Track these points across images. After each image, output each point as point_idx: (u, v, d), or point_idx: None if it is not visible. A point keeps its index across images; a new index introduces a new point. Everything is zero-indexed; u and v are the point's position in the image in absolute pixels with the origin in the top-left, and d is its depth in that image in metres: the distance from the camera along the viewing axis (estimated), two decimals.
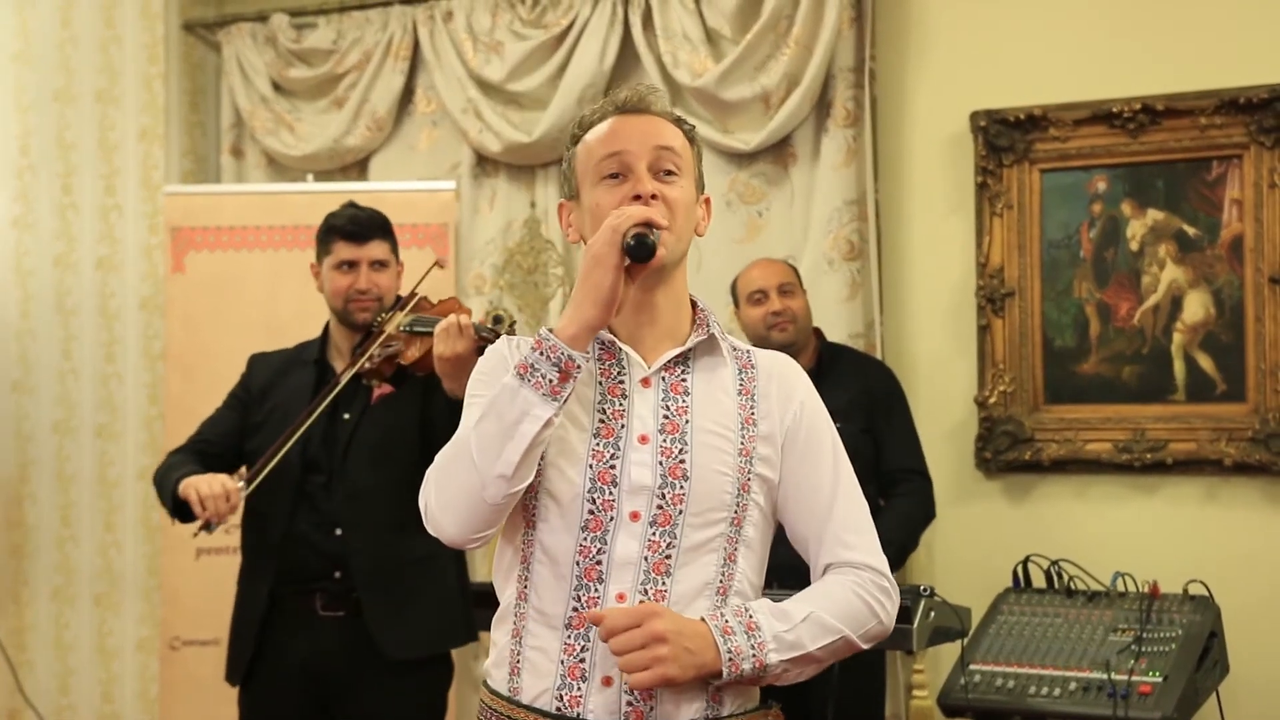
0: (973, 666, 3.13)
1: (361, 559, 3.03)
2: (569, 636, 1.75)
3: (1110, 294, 3.93)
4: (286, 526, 3.06)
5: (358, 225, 3.12)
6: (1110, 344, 3.92)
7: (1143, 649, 3.01)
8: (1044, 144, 3.96)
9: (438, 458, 1.78)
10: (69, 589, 4.83)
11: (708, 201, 1.93)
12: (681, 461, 1.76)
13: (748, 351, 1.90)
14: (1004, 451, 3.97)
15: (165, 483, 3.09)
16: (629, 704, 1.72)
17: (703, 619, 1.72)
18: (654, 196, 1.78)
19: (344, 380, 3.06)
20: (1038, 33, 4.01)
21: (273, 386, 3.19)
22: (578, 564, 1.75)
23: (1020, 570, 3.37)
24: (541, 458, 1.75)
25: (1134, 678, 2.93)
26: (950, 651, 3.38)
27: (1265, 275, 3.75)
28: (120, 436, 4.81)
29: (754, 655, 1.72)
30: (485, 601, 3.06)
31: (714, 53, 4.24)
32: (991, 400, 3.99)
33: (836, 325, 3.98)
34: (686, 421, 1.79)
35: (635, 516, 1.75)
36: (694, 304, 1.89)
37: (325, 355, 3.20)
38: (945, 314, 4.11)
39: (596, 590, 1.74)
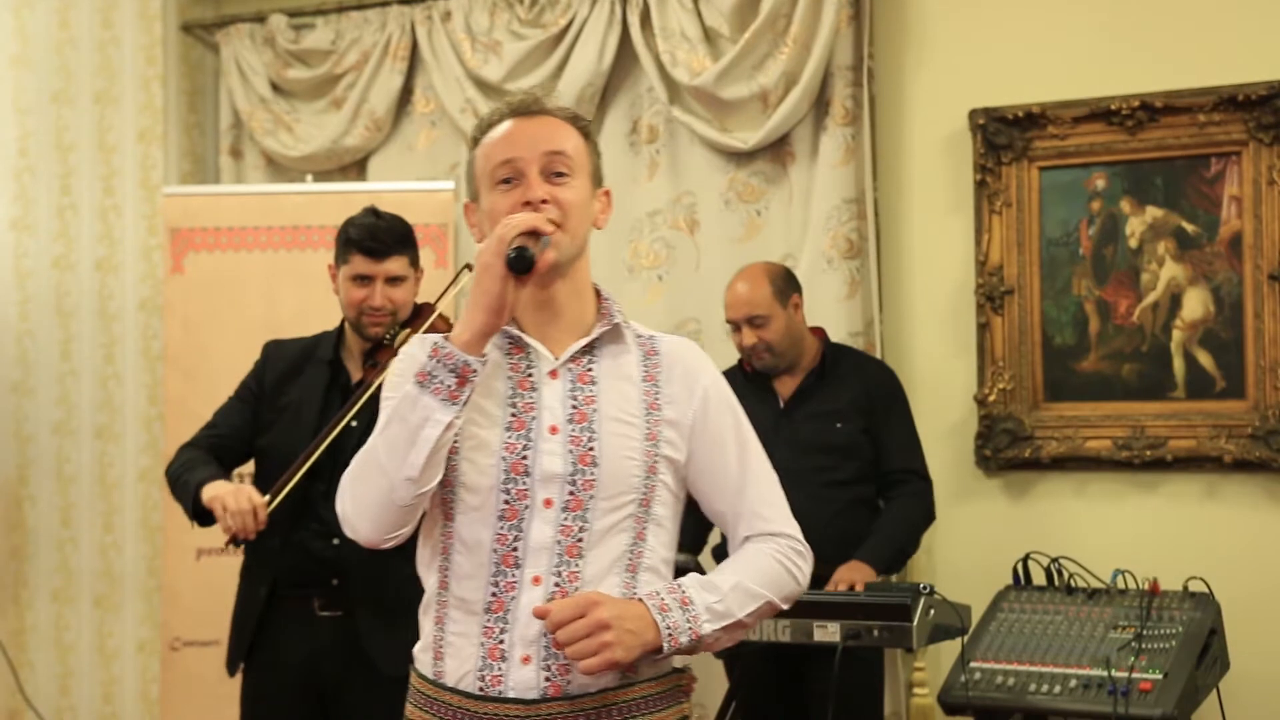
0: (973, 664, 3.13)
1: (358, 570, 3.02)
2: (488, 620, 1.84)
3: (1109, 291, 3.93)
4: (287, 532, 3.06)
5: (376, 241, 3.06)
6: (1109, 341, 3.92)
7: (1143, 646, 3.01)
8: (1043, 142, 3.96)
9: (351, 465, 1.87)
10: (69, 590, 4.83)
11: (607, 194, 2.01)
12: (591, 449, 1.86)
13: (652, 337, 1.99)
14: (1004, 449, 3.97)
15: (184, 482, 3.05)
16: (546, 679, 1.82)
17: (640, 599, 1.83)
18: (545, 201, 1.86)
19: (364, 397, 3.04)
20: (1036, 31, 4.01)
21: (286, 382, 3.16)
22: (495, 551, 1.85)
23: (1020, 568, 3.38)
24: (456, 452, 1.85)
25: (1134, 675, 2.93)
26: (950, 649, 3.38)
27: (1264, 272, 3.75)
28: (120, 438, 4.81)
29: (690, 628, 1.82)
30: None
31: (712, 51, 4.24)
32: (991, 398, 3.99)
33: (835, 324, 3.98)
34: (594, 410, 1.88)
35: (549, 503, 1.84)
36: (598, 294, 1.98)
37: (339, 355, 3.18)
38: (944, 312, 4.11)
39: (513, 575, 1.84)
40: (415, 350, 1.93)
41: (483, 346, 1.80)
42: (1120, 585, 3.24)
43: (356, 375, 3.12)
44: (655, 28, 4.28)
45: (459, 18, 4.54)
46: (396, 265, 3.09)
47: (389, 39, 4.63)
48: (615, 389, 1.91)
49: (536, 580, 1.83)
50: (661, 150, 4.34)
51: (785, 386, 3.68)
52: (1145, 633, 3.05)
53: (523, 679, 1.82)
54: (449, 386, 1.77)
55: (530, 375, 1.90)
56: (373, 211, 3.14)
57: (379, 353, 3.08)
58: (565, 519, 1.84)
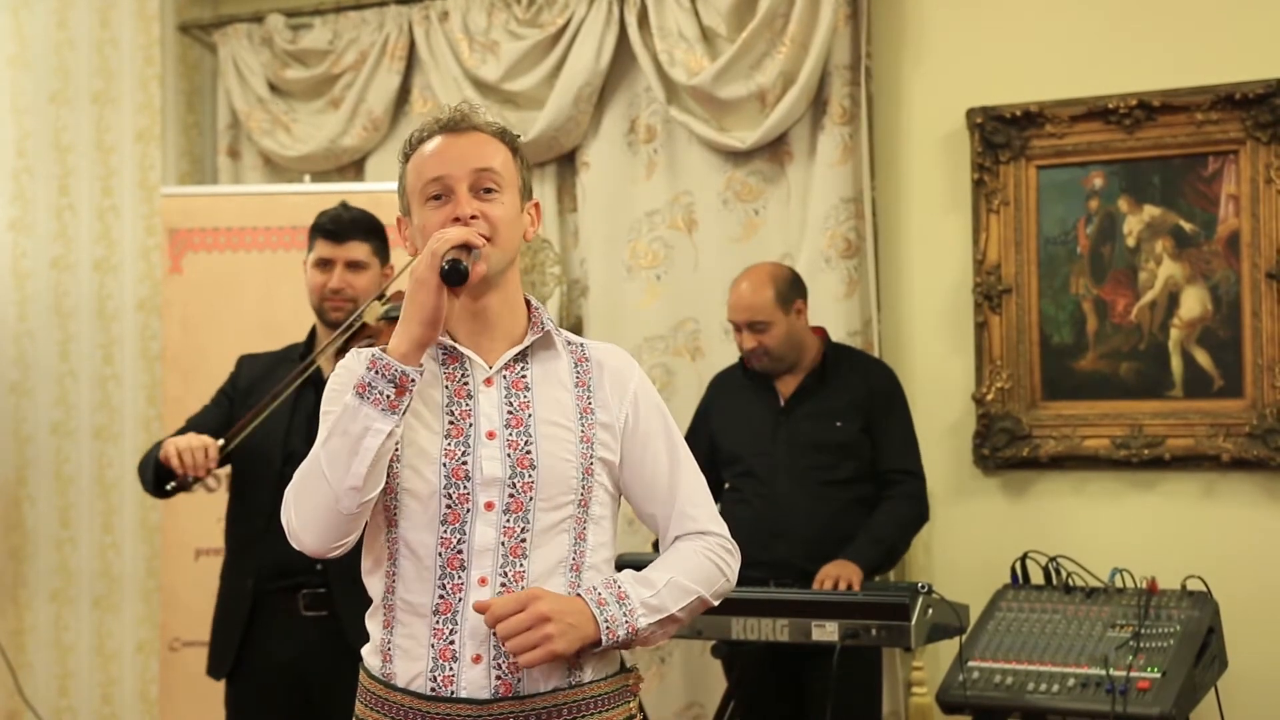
0: (971, 663, 3.13)
1: (340, 559, 3.03)
2: (437, 622, 1.89)
3: (1107, 290, 3.93)
4: (268, 521, 3.06)
5: (337, 225, 3.16)
6: (1107, 340, 3.93)
7: (1141, 645, 3.02)
8: (1040, 140, 3.96)
9: (294, 478, 1.91)
10: (68, 591, 4.83)
11: (537, 206, 2.07)
12: (528, 452, 1.92)
13: (581, 344, 2.06)
14: (1002, 448, 3.97)
15: (147, 460, 3.11)
16: (498, 678, 1.87)
17: (578, 594, 1.90)
18: (474, 217, 1.92)
19: (329, 349, 3.07)
20: (1033, 29, 4.02)
21: (258, 383, 3.22)
22: (440, 555, 1.89)
23: (1018, 567, 3.38)
24: (398, 460, 1.90)
25: (1132, 673, 2.94)
26: (949, 648, 3.39)
27: (1262, 270, 3.75)
28: (118, 438, 4.81)
29: (627, 622, 1.89)
30: None
31: (710, 51, 4.24)
32: (989, 397, 3.99)
33: (834, 323, 3.98)
34: (529, 415, 1.94)
35: (490, 506, 1.89)
36: (529, 304, 2.03)
37: (310, 353, 3.21)
38: (942, 311, 4.11)
39: (459, 577, 1.89)
40: (352, 364, 1.97)
41: (419, 357, 1.85)
42: (1118, 584, 3.25)
43: (329, 370, 3.14)
44: (653, 27, 4.28)
45: (456, 17, 4.54)
46: (358, 251, 3.16)
47: (386, 39, 4.62)
48: (549, 394, 1.97)
49: (483, 581, 1.88)
50: (659, 150, 4.34)
51: (786, 385, 3.68)
52: (1143, 631, 3.05)
53: (474, 679, 1.87)
54: (388, 396, 1.82)
55: (466, 384, 1.95)
56: (341, 204, 3.24)
57: (354, 340, 3.10)
58: (507, 520, 1.89)
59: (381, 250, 3.22)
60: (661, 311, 4.30)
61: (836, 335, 3.93)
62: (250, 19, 4.80)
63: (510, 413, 1.93)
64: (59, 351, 4.86)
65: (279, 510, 3.02)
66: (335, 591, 3.04)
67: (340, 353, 3.11)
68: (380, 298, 3.13)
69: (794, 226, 4.19)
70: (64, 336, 4.85)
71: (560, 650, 1.83)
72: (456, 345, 1.96)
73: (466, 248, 1.86)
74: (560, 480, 1.92)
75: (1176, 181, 3.86)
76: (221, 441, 3.01)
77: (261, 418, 3.04)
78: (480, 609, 1.84)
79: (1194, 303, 3.84)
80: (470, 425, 1.91)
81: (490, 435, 1.91)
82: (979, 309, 4.01)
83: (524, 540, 1.90)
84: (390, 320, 3.07)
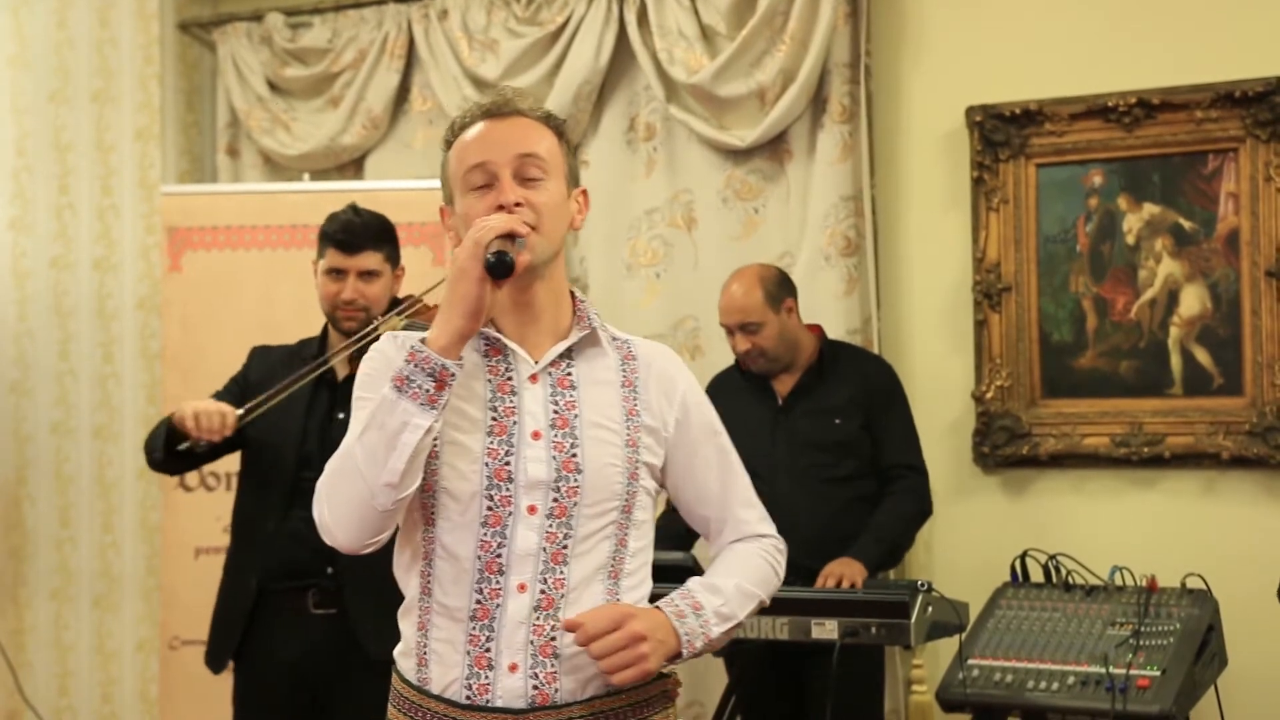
0: (971, 661, 3.13)
1: (351, 557, 3.03)
2: (474, 628, 1.82)
3: (1107, 288, 3.93)
4: (279, 522, 3.07)
5: (349, 234, 3.10)
6: (1107, 338, 3.93)
7: (1141, 643, 3.01)
8: (1040, 138, 3.96)
9: (326, 471, 1.84)
10: (68, 590, 4.83)
11: (584, 194, 1.99)
12: (574, 455, 1.85)
13: (627, 341, 1.99)
14: (1001, 446, 3.97)
15: (156, 430, 3.07)
16: (534, 688, 1.81)
17: (658, 607, 1.86)
18: (518, 204, 1.84)
19: (342, 354, 3.06)
20: (1033, 27, 4.02)
21: (270, 378, 3.19)
22: (479, 558, 1.82)
23: (1018, 565, 3.38)
24: (436, 457, 1.83)
25: (1132, 671, 2.93)
26: (949, 646, 3.39)
27: (1261, 269, 3.75)
28: (118, 437, 4.81)
29: (703, 632, 1.87)
30: None
31: (709, 49, 4.24)
32: (989, 395, 3.99)
33: (833, 321, 3.98)
34: (575, 416, 1.87)
35: (533, 510, 1.83)
36: (573, 296, 1.97)
37: (324, 353, 3.20)
38: (942, 309, 4.11)
39: (498, 582, 1.82)
40: (385, 347, 1.91)
41: (459, 350, 1.77)
42: (1118, 582, 3.24)
43: (343, 372, 3.13)
44: (652, 25, 4.28)
45: (456, 16, 4.54)
46: (370, 260, 3.11)
47: (386, 37, 4.63)
48: (595, 394, 1.90)
49: (522, 588, 1.81)
50: (659, 148, 4.34)
51: (783, 384, 3.68)
52: (1143, 629, 3.05)
53: (510, 688, 1.80)
54: (427, 391, 1.74)
55: (510, 379, 1.87)
56: (352, 208, 3.18)
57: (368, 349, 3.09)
58: (550, 525, 1.82)
59: (393, 255, 3.17)
60: (661, 310, 4.30)
61: (836, 333, 3.93)
62: (249, 17, 4.81)
63: (556, 412, 1.86)
64: (59, 351, 4.86)
65: (290, 512, 3.04)
66: (347, 591, 3.03)
67: (354, 360, 3.11)
68: (397, 310, 3.10)
69: (794, 225, 4.19)
70: (64, 336, 4.85)
71: (653, 668, 1.81)
72: (501, 337, 1.89)
73: (511, 237, 1.78)
74: (605, 485, 1.85)
75: (1176, 179, 3.86)
76: (241, 411, 2.97)
77: (279, 399, 3.01)
78: (570, 627, 1.79)
79: (1194, 301, 3.84)
80: (514, 424, 1.84)
81: (535, 435, 1.84)
82: (979, 307, 4.01)
83: (565, 546, 1.83)
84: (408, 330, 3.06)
